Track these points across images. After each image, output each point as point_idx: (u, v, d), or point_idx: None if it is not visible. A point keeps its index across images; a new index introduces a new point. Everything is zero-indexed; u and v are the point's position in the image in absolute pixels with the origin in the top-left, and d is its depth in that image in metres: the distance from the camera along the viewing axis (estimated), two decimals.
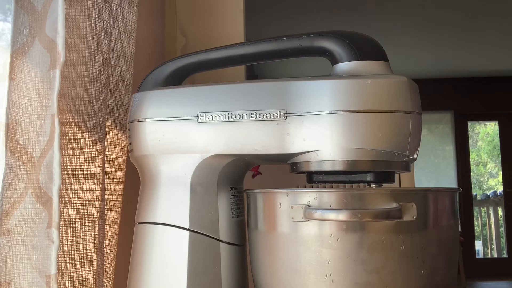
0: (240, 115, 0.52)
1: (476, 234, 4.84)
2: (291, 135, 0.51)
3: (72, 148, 0.54)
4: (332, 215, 0.45)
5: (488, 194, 5.06)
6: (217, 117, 0.53)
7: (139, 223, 0.57)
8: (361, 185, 0.53)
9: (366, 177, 0.52)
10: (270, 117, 0.51)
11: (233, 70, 0.86)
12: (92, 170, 0.55)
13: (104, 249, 0.59)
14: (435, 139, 4.94)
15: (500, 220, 4.93)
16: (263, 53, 0.58)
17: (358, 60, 0.51)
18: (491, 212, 5.00)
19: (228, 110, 0.53)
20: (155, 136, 0.55)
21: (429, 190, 0.49)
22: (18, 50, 0.50)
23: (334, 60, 0.53)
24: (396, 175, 0.54)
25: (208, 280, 0.54)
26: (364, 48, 0.52)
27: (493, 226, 4.96)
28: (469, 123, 4.98)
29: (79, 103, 0.55)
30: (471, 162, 4.93)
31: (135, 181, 0.62)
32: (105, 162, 0.60)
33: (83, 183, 0.55)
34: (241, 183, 0.61)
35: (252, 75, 3.81)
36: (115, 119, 0.64)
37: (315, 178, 0.54)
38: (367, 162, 0.49)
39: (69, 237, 0.53)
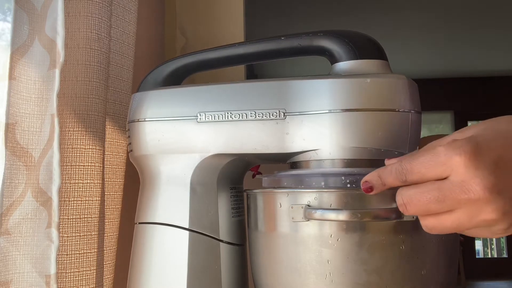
0: (239, 115, 0.52)
1: None
2: (291, 135, 0.51)
3: (72, 148, 0.54)
4: (332, 215, 0.45)
5: None
6: (217, 117, 0.53)
7: (139, 223, 0.57)
8: None
9: None
10: (269, 116, 0.51)
11: (233, 70, 0.86)
12: (92, 170, 0.55)
13: (104, 249, 0.59)
14: None
15: None
16: (262, 53, 0.58)
17: (357, 59, 0.51)
18: None
19: (228, 109, 0.53)
20: (154, 136, 0.55)
21: None
22: (18, 50, 0.50)
23: (333, 59, 0.53)
24: None
25: (208, 280, 0.54)
26: (363, 47, 0.52)
27: None
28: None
29: (79, 103, 0.55)
30: None
31: (135, 181, 0.62)
32: (105, 162, 0.60)
33: (83, 183, 0.55)
34: (241, 183, 0.61)
35: (252, 75, 3.81)
36: (115, 119, 0.64)
37: None
38: (366, 161, 0.49)
39: (69, 237, 0.53)
